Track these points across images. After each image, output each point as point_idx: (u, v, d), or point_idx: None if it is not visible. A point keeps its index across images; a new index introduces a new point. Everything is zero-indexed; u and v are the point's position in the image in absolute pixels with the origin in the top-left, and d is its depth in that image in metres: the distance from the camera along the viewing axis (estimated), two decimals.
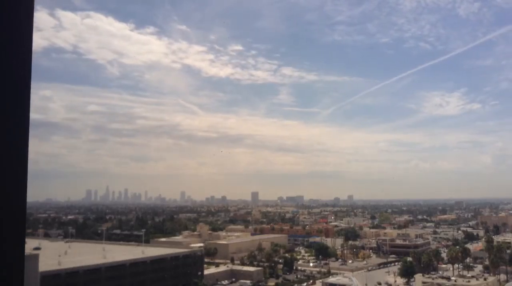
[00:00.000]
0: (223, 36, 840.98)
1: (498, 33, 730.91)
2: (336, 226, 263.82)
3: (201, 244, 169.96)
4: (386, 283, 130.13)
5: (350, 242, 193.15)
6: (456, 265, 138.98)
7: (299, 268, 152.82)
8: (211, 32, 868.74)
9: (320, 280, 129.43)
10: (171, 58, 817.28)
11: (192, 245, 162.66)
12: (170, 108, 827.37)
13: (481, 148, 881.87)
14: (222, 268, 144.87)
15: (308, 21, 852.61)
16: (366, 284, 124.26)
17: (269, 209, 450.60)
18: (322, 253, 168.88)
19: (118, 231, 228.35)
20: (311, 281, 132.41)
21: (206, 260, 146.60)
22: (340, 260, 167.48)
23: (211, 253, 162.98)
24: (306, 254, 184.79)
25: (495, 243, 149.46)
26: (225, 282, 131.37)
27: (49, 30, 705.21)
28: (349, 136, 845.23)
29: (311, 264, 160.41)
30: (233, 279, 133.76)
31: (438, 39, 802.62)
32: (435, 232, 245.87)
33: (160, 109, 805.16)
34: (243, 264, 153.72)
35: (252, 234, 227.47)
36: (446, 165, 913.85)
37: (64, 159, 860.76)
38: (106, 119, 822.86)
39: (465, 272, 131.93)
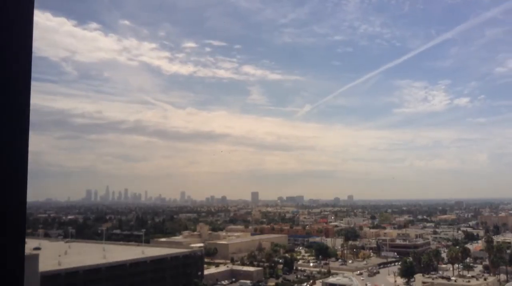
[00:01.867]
0: (171, 32, 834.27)
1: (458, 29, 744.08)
2: (336, 226, 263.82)
3: (201, 244, 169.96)
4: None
5: (350, 242, 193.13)
6: (456, 265, 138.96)
7: (299, 268, 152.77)
8: (157, 28, 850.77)
9: (320, 280, 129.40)
10: (126, 55, 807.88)
11: (192, 245, 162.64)
12: (140, 106, 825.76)
13: (476, 145, 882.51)
14: (222, 268, 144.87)
15: (256, 23, 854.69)
16: (366, 284, 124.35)
17: (269, 209, 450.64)
18: (322, 253, 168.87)
19: (118, 231, 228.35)
20: (311, 281, 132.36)
21: (206, 260, 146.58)
22: (340, 260, 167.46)
23: (211, 253, 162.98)
24: (306, 254, 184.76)
25: (495, 243, 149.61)
26: (225, 282, 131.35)
27: None
28: (334, 135, 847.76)
29: (311, 264, 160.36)
30: (233, 279, 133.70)
31: (394, 37, 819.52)
32: (435, 232, 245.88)
33: (130, 107, 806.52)
34: (243, 264, 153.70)
35: (252, 234, 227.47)
36: (443, 164, 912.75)
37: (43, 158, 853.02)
38: (72, 117, 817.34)
39: (465, 272, 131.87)
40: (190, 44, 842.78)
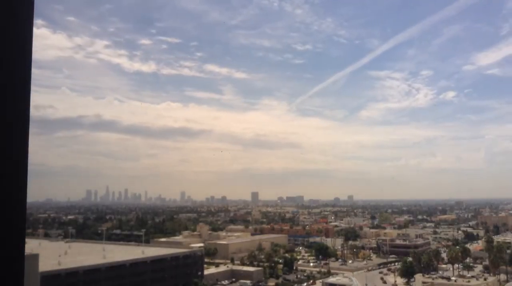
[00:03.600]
0: (121, 28, 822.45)
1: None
2: (336, 226, 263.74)
3: (201, 244, 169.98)
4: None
5: (350, 242, 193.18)
6: (456, 265, 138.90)
7: (299, 268, 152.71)
8: (105, 24, 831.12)
9: (320, 280, 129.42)
10: (82, 53, 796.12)
11: (192, 245, 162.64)
12: (110, 103, 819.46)
13: (471, 144, 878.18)
14: (222, 268, 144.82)
15: (207, 24, 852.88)
16: (366, 284, 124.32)
17: (269, 209, 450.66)
18: (322, 253, 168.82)
19: (118, 231, 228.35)
20: (311, 281, 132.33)
21: (206, 260, 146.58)
22: (340, 260, 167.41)
23: (211, 253, 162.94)
24: (306, 254, 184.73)
25: (495, 243, 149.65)
26: (225, 282, 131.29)
27: None
28: (318, 132, 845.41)
29: (311, 264, 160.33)
30: (233, 279, 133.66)
31: (353, 37, 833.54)
32: (435, 232, 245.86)
33: (100, 104, 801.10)
34: (243, 264, 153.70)
35: (252, 234, 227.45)
36: (439, 163, 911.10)
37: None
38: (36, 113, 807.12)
39: (465, 272, 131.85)
40: (145, 41, 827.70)
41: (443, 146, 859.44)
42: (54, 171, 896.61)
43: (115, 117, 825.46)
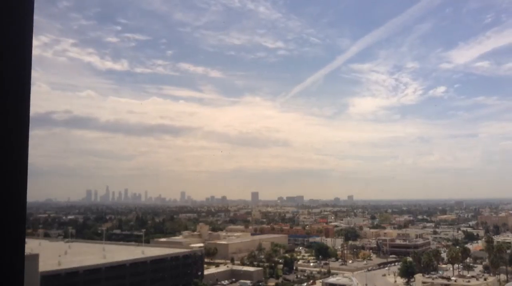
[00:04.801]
0: (85, 25, 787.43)
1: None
2: (336, 226, 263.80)
3: (201, 244, 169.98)
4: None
5: (350, 242, 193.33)
6: (456, 265, 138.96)
7: (299, 268, 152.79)
8: (67, 21, 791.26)
9: (320, 280, 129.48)
10: (50, 52, 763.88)
11: (192, 245, 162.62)
12: (87, 100, 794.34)
13: (468, 142, 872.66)
14: (222, 268, 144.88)
15: (171, 24, 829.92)
16: (366, 284, 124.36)
17: (269, 209, 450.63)
18: (322, 253, 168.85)
19: (118, 231, 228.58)
20: (311, 281, 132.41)
21: (206, 260, 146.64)
22: (340, 260, 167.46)
23: (211, 253, 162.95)
24: (306, 254, 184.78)
25: (495, 243, 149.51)
26: (225, 282, 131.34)
27: None
28: (307, 131, 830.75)
29: (311, 264, 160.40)
30: (233, 279, 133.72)
31: (322, 33, 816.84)
32: (435, 232, 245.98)
33: (77, 102, 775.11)
34: (243, 264, 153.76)
35: (252, 234, 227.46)
36: (437, 162, 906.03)
37: None
38: None
39: (465, 272, 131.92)
40: (112, 39, 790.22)
41: (439, 144, 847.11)
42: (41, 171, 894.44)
43: (91, 114, 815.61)
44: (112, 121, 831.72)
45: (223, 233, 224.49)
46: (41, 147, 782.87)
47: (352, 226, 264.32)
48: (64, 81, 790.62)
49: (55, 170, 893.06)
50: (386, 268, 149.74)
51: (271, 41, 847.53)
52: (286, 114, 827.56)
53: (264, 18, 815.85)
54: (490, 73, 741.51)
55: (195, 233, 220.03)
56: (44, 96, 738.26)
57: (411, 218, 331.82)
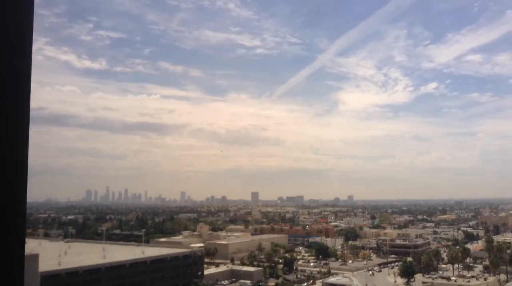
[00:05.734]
0: (55, 23, 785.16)
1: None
2: (336, 226, 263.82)
3: (201, 244, 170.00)
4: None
5: (350, 242, 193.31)
6: (456, 265, 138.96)
7: (299, 268, 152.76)
8: (37, 18, 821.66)
9: (320, 280, 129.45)
10: None
11: (192, 245, 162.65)
12: (69, 98, 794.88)
13: (465, 141, 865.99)
14: (222, 268, 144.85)
15: (143, 25, 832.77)
16: (366, 284, 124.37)
17: (269, 209, 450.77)
18: (322, 253, 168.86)
19: (118, 231, 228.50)
20: (311, 281, 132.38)
21: (206, 260, 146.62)
22: (340, 260, 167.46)
23: (211, 253, 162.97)
24: (306, 254, 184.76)
25: (495, 243, 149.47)
26: (225, 282, 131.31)
27: None
28: (298, 129, 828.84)
29: (311, 264, 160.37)
30: (233, 279, 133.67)
31: (298, 32, 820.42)
32: (435, 232, 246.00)
33: (59, 99, 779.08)
34: (243, 264, 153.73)
35: (252, 234, 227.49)
36: (435, 161, 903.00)
37: None
38: None
39: (465, 272, 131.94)
40: (85, 37, 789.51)
41: (435, 143, 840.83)
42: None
43: (72, 112, 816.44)
44: (94, 119, 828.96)
45: (223, 233, 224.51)
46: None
47: (352, 226, 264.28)
48: (43, 80, 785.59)
49: (48, 169, 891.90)
50: (372, 271, 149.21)
51: (248, 40, 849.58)
52: (272, 113, 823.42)
53: (236, 17, 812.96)
54: (481, 67, 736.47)
55: (195, 233, 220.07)
56: None
57: (411, 218, 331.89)
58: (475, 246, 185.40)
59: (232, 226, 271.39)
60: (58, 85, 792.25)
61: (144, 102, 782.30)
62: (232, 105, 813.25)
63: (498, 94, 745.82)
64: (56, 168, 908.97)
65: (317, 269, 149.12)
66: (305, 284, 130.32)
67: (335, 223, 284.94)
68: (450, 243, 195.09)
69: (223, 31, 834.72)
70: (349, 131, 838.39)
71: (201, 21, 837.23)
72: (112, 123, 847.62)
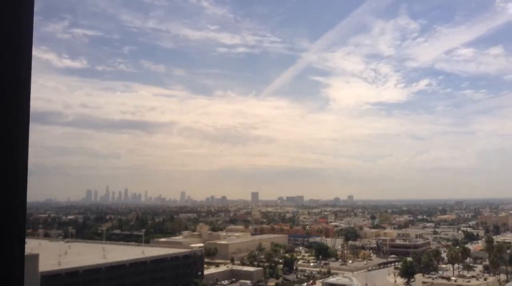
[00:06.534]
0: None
1: None
2: (336, 226, 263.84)
3: (201, 244, 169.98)
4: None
5: (350, 242, 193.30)
6: (456, 265, 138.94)
7: (299, 268, 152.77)
8: None
9: (320, 280, 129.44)
10: None
11: (192, 245, 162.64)
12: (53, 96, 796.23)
13: (464, 140, 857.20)
14: (222, 268, 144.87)
15: (116, 27, 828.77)
16: (366, 284, 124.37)
17: (269, 209, 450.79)
18: (322, 253, 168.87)
19: (118, 231, 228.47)
20: (311, 281, 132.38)
21: (206, 260, 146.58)
22: (340, 260, 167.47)
23: (211, 253, 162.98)
24: (306, 254, 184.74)
25: (495, 243, 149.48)
26: (225, 282, 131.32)
27: None
28: (289, 128, 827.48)
29: (311, 264, 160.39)
30: (233, 279, 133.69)
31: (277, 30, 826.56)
32: (435, 232, 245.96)
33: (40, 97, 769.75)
34: (243, 264, 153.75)
35: (252, 234, 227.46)
36: (435, 161, 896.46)
37: None
38: None
39: (465, 272, 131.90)
40: (62, 36, 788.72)
41: (432, 142, 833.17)
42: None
43: (58, 110, 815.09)
44: (78, 117, 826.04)
45: (223, 233, 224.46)
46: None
47: (352, 226, 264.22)
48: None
49: (42, 169, 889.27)
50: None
51: (228, 38, 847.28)
52: (260, 111, 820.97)
53: (211, 15, 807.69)
54: (474, 63, 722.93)
55: (195, 233, 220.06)
56: None
57: (411, 218, 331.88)
58: (475, 246, 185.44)
59: (232, 226, 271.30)
60: (40, 83, 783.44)
61: (129, 101, 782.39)
62: (219, 104, 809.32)
63: (492, 91, 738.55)
64: (51, 167, 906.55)
65: (317, 269, 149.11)
66: (305, 284, 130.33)
67: (335, 223, 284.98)
68: (450, 243, 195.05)
69: (201, 30, 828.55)
70: (341, 129, 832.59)
71: (177, 19, 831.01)
72: (97, 121, 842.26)
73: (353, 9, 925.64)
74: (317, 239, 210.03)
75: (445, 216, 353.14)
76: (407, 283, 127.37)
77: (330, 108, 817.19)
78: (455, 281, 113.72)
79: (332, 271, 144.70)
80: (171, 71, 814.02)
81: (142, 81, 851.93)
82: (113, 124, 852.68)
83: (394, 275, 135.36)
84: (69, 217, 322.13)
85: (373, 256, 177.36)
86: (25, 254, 2.70)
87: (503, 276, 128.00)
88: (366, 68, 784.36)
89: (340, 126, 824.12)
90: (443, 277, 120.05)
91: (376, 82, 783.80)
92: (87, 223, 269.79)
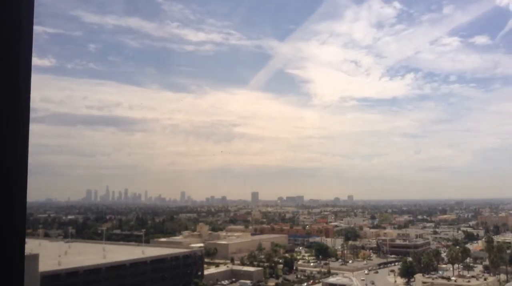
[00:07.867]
0: None
1: None
2: (336, 226, 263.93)
3: (201, 244, 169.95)
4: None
5: (350, 242, 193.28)
6: (456, 265, 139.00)
7: (299, 268, 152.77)
8: None
9: (320, 280, 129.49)
10: None
11: (192, 245, 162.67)
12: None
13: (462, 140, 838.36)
14: (222, 268, 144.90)
15: (78, 27, 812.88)
16: (366, 285, 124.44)
17: (269, 209, 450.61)
18: (322, 253, 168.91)
19: (118, 231, 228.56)
20: (311, 281, 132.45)
21: (206, 260, 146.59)
22: (340, 260, 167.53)
23: (211, 253, 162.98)
24: (306, 254, 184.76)
25: (495, 243, 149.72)
26: (225, 282, 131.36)
27: None
28: (272, 125, 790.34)
29: (311, 264, 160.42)
30: (233, 279, 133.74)
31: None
32: (435, 232, 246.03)
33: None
34: (243, 264, 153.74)
35: (252, 234, 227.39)
36: (434, 161, 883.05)
37: None
38: None
39: (465, 272, 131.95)
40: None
41: (427, 140, 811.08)
42: None
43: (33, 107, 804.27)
44: (49, 113, 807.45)
45: (223, 233, 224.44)
46: None
47: (352, 226, 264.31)
48: None
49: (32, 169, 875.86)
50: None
51: (192, 35, 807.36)
52: (241, 109, 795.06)
53: (168, 10, 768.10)
54: (460, 54, 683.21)
55: (195, 233, 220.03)
56: None
57: (411, 218, 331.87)
58: (475, 246, 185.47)
59: (232, 226, 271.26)
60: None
61: (105, 97, 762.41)
62: (196, 101, 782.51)
63: (483, 86, 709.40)
64: (33, 166, 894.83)
65: (317, 269, 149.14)
66: (305, 284, 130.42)
67: (335, 223, 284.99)
68: (450, 243, 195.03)
69: (163, 26, 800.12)
70: (328, 127, 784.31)
71: (133, 13, 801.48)
72: (73, 117, 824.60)
73: None
74: (317, 239, 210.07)
75: (445, 216, 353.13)
76: (407, 283, 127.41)
77: (313, 104, 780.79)
78: (455, 281, 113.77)
79: (332, 271, 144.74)
80: (142, 69, 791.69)
81: (113, 79, 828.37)
82: (88, 121, 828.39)
83: (394, 275, 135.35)
84: (69, 217, 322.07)
85: (373, 256, 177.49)
86: (25, 254, 2.70)
87: (503, 276, 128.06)
88: (346, 60, 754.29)
89: (326, 123, 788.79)
90: (443, 277, 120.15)
91: (358, 75, 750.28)
92: (87, 223, 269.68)
